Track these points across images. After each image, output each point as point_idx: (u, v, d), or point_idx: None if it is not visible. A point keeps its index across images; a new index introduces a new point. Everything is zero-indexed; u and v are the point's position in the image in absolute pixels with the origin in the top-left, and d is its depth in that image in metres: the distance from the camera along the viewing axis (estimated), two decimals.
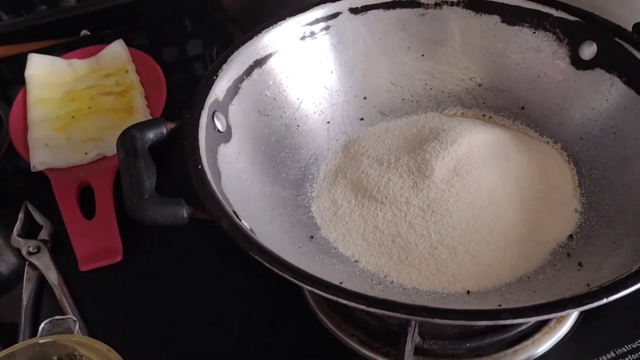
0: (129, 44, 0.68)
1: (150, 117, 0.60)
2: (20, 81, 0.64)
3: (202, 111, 0.42)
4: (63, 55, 0.67)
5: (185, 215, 0.35)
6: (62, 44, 0.75)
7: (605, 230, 0.41)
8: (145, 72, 0.65)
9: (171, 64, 0.73)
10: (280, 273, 0.32)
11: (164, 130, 0.40)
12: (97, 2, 0.81)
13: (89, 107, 0.62)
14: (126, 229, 0.51)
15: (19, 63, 0.66)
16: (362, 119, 0.52)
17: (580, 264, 0.39)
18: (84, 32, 0.77)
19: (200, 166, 0.37)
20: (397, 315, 0.31)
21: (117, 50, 0.68)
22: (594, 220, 0.43)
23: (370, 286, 0.40)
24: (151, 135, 0.40)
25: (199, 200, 0.36)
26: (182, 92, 0.68)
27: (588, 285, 0.35)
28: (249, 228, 0.37)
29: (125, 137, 0.39)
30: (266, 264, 0.32)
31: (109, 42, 0.67)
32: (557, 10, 0.48)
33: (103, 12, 0.81)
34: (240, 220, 0.36)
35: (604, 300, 0.31)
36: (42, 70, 0.65)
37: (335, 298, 0.31)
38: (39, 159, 0.55)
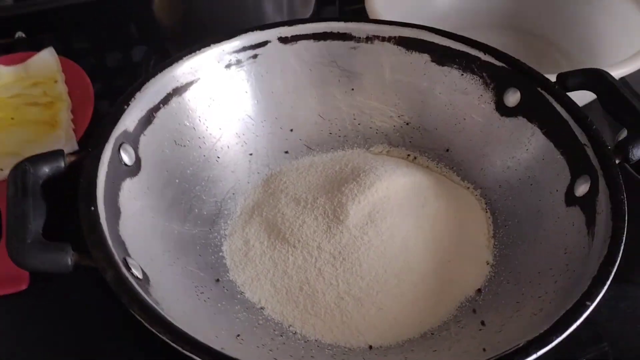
0: (69, 48, 0.65)
1: (73, 133, 0.58)
2: None
3: (107, 144, 0.40)
4: None
5: (70, 262, 0.34)
6: None
7: (513, 286, 0.41)
8: (74, 83, 0.63)
9: (115, 70, 0.71)
10: (160, 336, 0.30)
11: (62, 164, 0.38)
12: (35, 4, 0.78)
13: (12, 118, 0.60)
14: None
15: None
16: (286, 152, 0.51)
17: (483, 323, 0.39)
18: (19, 34, 0.74)
19: (92, 208, 0.35)
20: None
21: (47, 59, 0.65)
22: (502, 275, 0.42)
23: (271, 338, 0.39)
24: (46, 169, 0.38)
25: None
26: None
27: (484, 350, 0.34)
28: (141, 276, 0.35)
29: (17, 172, 0.37)
30: (147, 325, 0.31)
31: (46, 45, 0.65)
32: (485, 54, 0.48)
33: (41, 14, 0.78)
34: (130, 269, 0.34)
35: None
36: None
37: None
38: None
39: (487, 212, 0.47)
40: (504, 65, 0.47)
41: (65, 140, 0.56)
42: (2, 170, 0.54)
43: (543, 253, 0.41)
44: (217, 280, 0.42)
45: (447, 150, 0.50)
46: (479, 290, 0.42)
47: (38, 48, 0.65)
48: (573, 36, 0.70)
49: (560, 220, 0.41)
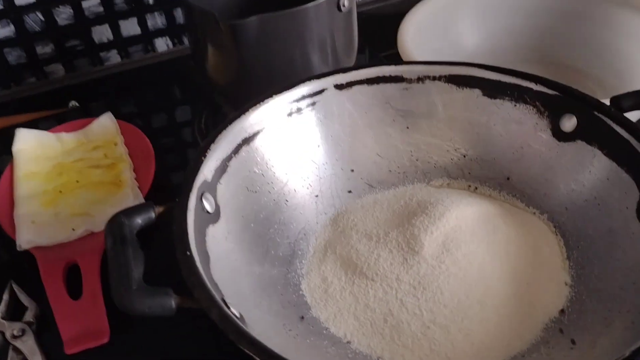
0: (117, 112, 0.69)
1: (139, 191, 0.60)
2: (7, 155, 0.64)
3: (191, 193, 0.42)
4: (51, 129, 0.68)
5: (174, 305, 0.35)
6: (50, 115, 0.76)
7: (596, 304, 0.41)
8: (133, 144, 0.66)
9: (160, 130, 0.74)
10: None
11: (152, 215, 0.40)
12: (85, 74, 0.83)
13: (77, 181, 0.62)
14: (114, 308, 0.50)
15: (7, 136, 0.66)
16: (350, 192, 0.53)
17: (573, 341, 0.39)
18: (73, 103, 0.77)
19: (188, 252, 0.37)
20: None
21: (105, 123, 0.68)
22: (584, 294, 0.43)
23: None
24: (139, 220, 0.40)
25: (186, 287, 0.36)
26: (171, 159, 0.68)
27: None
28: (238, 315, 0.36)
29: (114, 224, 0.38)
30: (257, 358, 0.32)
31: (98, 114, 0.68)
32: (537, 85, 0.49)
33: (91, 83, 0.82)
34: (229, 308, 0.36)
35: None
36: (30, 145, 0.65)
37: None
38: (25, 237, 0.55)
39: (557, 234, 0.47)
40: (556, 93, 0.49)
41: (133, 197, 0.59)
42: (74, 230, 0.56)
43: (622, 269, 0.41)
44: (302, 317, 0.43)
45: (508, 178, 0.51)
46: (562, 310, 0.42)
47: (91, 115, 0.69)
48: (602, 64, 0.72)
49: (635, 235, 0.41)
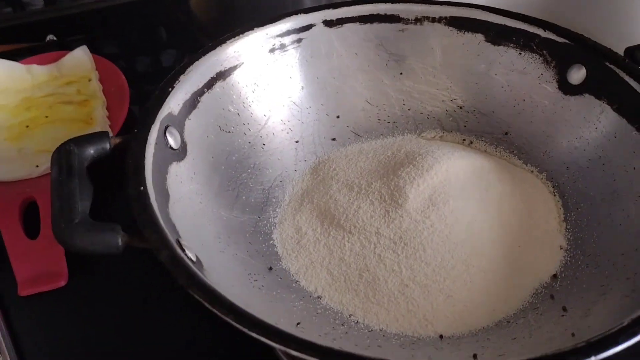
0: (98, 51, 0.64)
1: (109, 129, 0.56)
2: None
3: (153, 125, 0.38)
4: (22, 60, 0.63)
5: (120, 243, 0.31)
6: (26, 48, 0.71)
7: (593, 270, 0.37)
8: (109, 81, 0.61)
9: (143, 74, 0.69)
10: (222, 317, 0.28)
11: (107, 146, 0.36)
12: (65, 7, 0.77)
13: (46, 117, 0.58)
14: None
15: None
16: (333, 139, 0.49)
17: (564, 309, 0.35)
18: (50, 37, 0.73)
19: (142, 187, 0.33)
20: None
21: (80, 57, 0.63)
22: (580, 259, 0.39)
23: (332, 327, 0.36)
24: (91, 151, 0.36)
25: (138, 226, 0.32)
26: None
27: (573, 335, 0.31)
28: (194, 259, 0.33)
29: (61, 153, 0.34)
30: (207, 305, 0.28)
31: (76, 48, 0.63)
32: (545, 31, 0.45)
33: (72, 17, 0.77)
34: (184, 250, 0.32)
35: (592, 359, 0.27)
36: None
37: (284, 348, 0.27)
38: None
39: (555, 195, 0.44)
40: (566, 41, 0.44)
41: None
42: (37, 167, 0.52)
43: (624, 234, 0.37)
44: (270, 268, 0.40)
45: (506, 133, 0.47)
46: (555, 275, 0.39)
47: (69, 50, 0.64)
48: (617, 31, 0.67)
49: None
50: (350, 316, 0.37)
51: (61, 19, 0.76)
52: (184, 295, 0.43)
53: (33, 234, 0.48)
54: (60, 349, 0.43)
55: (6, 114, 0.58)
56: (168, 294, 0.44)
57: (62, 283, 0.45)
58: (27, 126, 0.57)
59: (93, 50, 0.64)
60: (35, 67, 0.62)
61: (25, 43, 0.71)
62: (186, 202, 0.38)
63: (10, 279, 0.46)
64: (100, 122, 0.57)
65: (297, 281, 0.39)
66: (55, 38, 0.73)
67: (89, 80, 0.62)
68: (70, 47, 0.64)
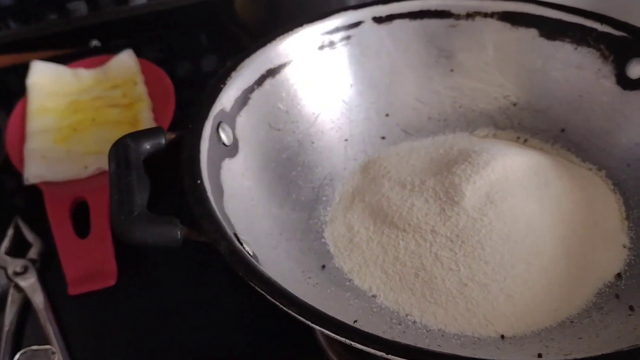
0: (140, 56, 0.65)
1: None
2: (24, 91, 0.60)
3: (206, 121, 0.37)
4: (69, 64, 0.64)
5: (179, 236, 0.31)
6: (70, 53, 0.72)
7: None
8: (154, 84, 0.62)
9: (184, 79, 0.69)
10: (285, 309, 0.27)
11: (163, 141, 0.36)
12: (109, 13, 0.79)
13: (93, 119, 0.59)
14: (122, 250, 0.47)
15: (24, 71, 0.62)
16: (383, 138, 0.48)
17: (631, 308, 0.34)
18: (94, 42, 0.74)
19: (199, 181, 0.33)
20: None
21: (125, 61, 0.64)
22: None
23: (389, 326, 0.35)
24: (147, 146, 0.35)
25: (196, 219, 0.31)
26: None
27: None
28: (251, 253, 0.32)
29: (119, 147, 0.34)
30: (269, 297, 0.28)
31: (119, 52, 0.64)
32: (602, 25, 0.44)
33: (115, 23, 0.78)
34: (241, 244, 0.31)
35: None
36: (46, 79, 0.62)
37: (349, 341, 0.26)
38: (33, 172, 0.52)
39: (615, 192, 0.42)
40: (624, 34, 0.43)
41: None
42: (86, 167, 0.53)
43: None
44: (323, 266, 0.39)
45: (563, 130, 0.46)
46: (619, 275, 0.37)
47: (114, 54, 0.65)
48: None
49: None
50: (407, 315, 0.36)
51: (104, 24, 0.78)
52: (235, 293, 0.43)
53: (83, 233, 0.48)
54: (109, 348, 0.43)
55: (54, 117, 0.59)
56: (218, 292, 0.44)
57: (112, 282, 0.46)
58: (75, 129, 0.58)
59: (136, 55, 0.65)
60: (81, 71, 0.63)
61: (69, 49, 0.73)
62: (239, 198, 0.37)
63: (61, 278, 0.46)
64: (146, 124, 0.57)
65: (350, 279, 0.38)
66: (99, 43, 0.73)
67: (135, 84, 0.62)
68: (112, 52, 0.65)
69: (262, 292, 0.28)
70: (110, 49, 0.69)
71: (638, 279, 0.36)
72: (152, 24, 0.78)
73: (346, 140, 0.47)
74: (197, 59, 0.74)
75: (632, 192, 0.41)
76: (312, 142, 0.46)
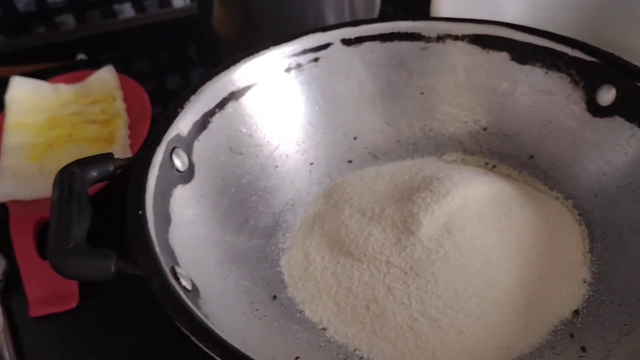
0: (129, 70, 0.65)
1: (129, 149, 0.56)
2: (2, 106, 0.61)
3: (158, 147, 0.37)
4: (49, 79, 0.64)
5: (113, 270, 0.30)
6: (56, 67, 0.72)
7: (617, 307, 0.35)
8: (132, 100, 0.62)
9: (172, 93, 0.69)
10: (208, 351, 0.26)
11: (111, 168, 0.36)
12: (97, 26, 0.79)
13: (70, 135, 0.58)
14: None
15: (6, 85, 0.63)
16: (350, 162, 0.47)
17: (583, 349, 0.33)
18: (81, 55, 0.74)
19: (140, 212, 0.32)
20: None
21: (106, 77, 0.64)
22: (604, 294, 0.36)
23: None
24: (94, 173, 0.35)
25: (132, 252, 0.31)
26: None
27: None
28: (189, 287, 0.31)
29: (64, 175, 0.34)
30: (193, 338, 0.27)
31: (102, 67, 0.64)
32: (573, 49, 0.43)
33: (103, 36, 0.78)
34: (178, 279, 0.31)
35: None
36: (25, 94, 0.62)
37: None
38: (3, 190, 0.51)
39: (581, 224, 0.41)
40: (595, 60, 0.42)
41: (122, 156, 0.54)
42: None
43: None
44: (274, 297, 0.38)
45: (532, 157, 0.45)
46: (576, 311, 0.36)
47: (98, 68, 0.65)
48: None
49: None
50: (355, 350, 0.35)
51: (92, 38, 0.78)
52: None
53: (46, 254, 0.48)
54: None
55: (31, 133, 0.58)
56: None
57: (73, 305, 0.45)
58: (51, 145, 0.57)
59: (124, 68, 0.65)
60: (61, 87, 0.63)
61: (56, 62, 0.73)
62: (189, 226, 0.37)
63: (22, 299, 0.46)
64: (121, 141, 0.57)
65: (302, 311, 0.38)
66: (85, 57, 0.74)
67: (114, 99, 0.62)
68: (99, 66, 0.65)
69: (186, 332, 0.27)
70: (96, 62, 0.69)
71: (596, 317, 0.35)
72: (141, 38, 0.78)
73: (311, 163, 0.46)
74: (186, 72, 0.74)
75: (597, 224, 0.40)
76: (276, 166, 0.45)
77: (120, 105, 0.61)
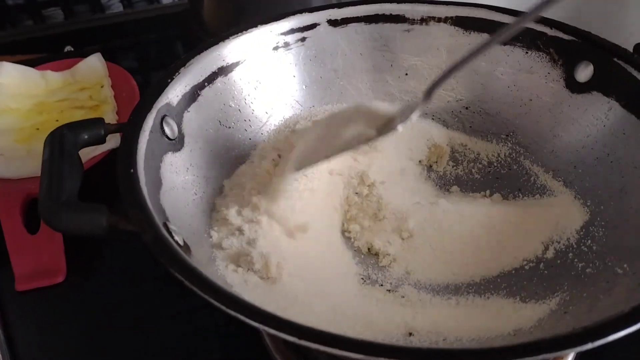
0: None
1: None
2: None
3: (149, 113, 0.37)
4: (37, 67, 0.64)
5: (105, 224, 0.31)
6: (43, 57, 0.72)
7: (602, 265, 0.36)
8: (120, 87, 0.62)
9: None
10: (202, 295, 0.27)
11: (101, 132, 0.36)
12: (84, 21, 0.79)
13: (57, 120, 0.59)
14: (73, 246, 0.47)
15: None
16: None
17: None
18: (68, 47, 0.74)
19: (132, 170, 0.33)
20: None
21: (94, 64, 0.64)
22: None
23: None
24: (85, 136, 0.36)
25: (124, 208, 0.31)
26: None
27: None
28: (181, 243, 0.32)
29: (54, 136, 0.34)
30: (187, 283, 0.27)
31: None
32: (552, 29, 0.44)
33: (90, 30, 0.79)
34: (171, 233, 0.31)
35: (589, 345, 0.25)
36: (13, 80, 0.62)
37: (263, 327, 0.26)
38: None
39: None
40: (573, 38, 0.43)
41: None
42: None
43: (634, 230, 0.36)
44: None
45: (512, 133, 0.46)
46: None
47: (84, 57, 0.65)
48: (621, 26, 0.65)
49: None
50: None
51: (80, 31, 0.78)
52: (183, 292, 0.42)
53: (34, 230, 0.48)
54: (54, 345, 0.42)
55: (18, 117, 0.59)
56: (166, 290, 0.44)
57: (60, 279, 0.45)
58: (38, 129, 0.58)
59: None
60: (49, 73, 0.63)
61: (44, 53, 0.73)
62: (180, 192, 0.37)
63: (9, 274, 0.45)
64: None
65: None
66: (72, 49, 0.74)
67: (102, 86, 0.62)
68: (85, 56, 0.65)
69: (180, 278, 0.28)
70: (83, 54, 0.69)
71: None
72: (128, 32, 0.79)
73: None
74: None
75: (578, 193, 0.41)
76: (264, 142, 0.46)
77: (108, 92, 0.61)
